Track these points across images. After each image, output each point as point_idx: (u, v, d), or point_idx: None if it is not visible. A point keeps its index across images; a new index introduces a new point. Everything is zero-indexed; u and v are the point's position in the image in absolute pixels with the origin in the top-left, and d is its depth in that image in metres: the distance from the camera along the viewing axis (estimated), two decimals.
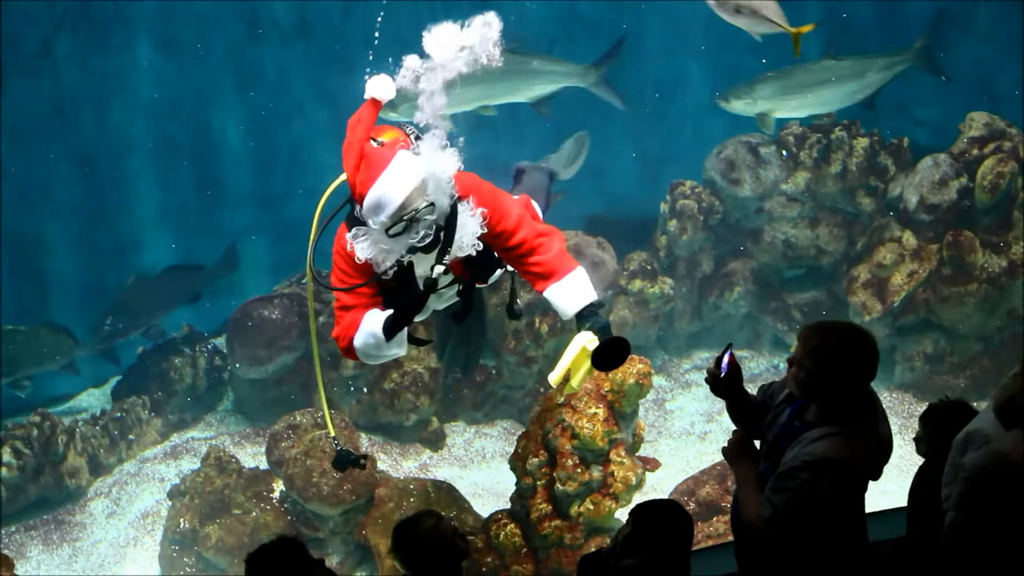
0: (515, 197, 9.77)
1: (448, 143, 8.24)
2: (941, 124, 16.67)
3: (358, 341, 8.69)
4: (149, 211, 18.62)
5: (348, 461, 9.84)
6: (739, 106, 15.80)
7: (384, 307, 8.62)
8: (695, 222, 16.53)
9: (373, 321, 8.60)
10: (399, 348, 8.86)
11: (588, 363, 8.52)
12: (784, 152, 16.56)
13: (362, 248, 8.28)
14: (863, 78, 15.91)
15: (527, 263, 8.82)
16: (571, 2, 19.32)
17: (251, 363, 15.90)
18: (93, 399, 17.16)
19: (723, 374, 6.94)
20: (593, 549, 10.79)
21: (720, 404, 7.20)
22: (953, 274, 15.01)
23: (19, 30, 17.57)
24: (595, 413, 10.92)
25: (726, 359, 6.95)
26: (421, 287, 8.53)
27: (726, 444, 6.99)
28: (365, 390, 15.27)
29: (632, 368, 10.96)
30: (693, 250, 16.77)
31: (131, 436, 16.09)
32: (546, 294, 8.84)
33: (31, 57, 18.04)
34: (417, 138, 8.55)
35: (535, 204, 10.17)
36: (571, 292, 8.75)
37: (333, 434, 10.17)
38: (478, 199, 8.51)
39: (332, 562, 12.73)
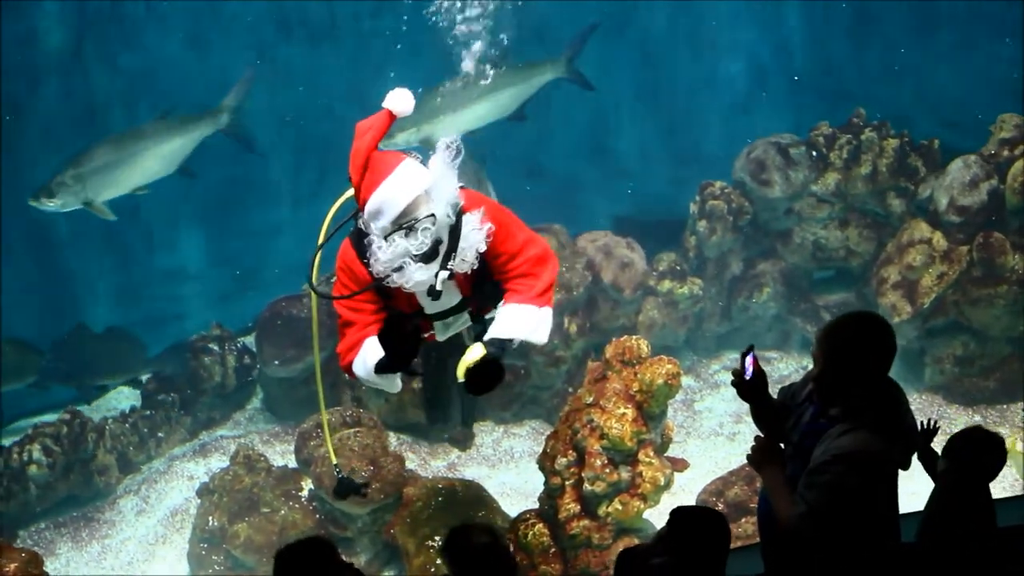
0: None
1: (457, 157, 8.26)
2: (972, 125, 16.59)
3: (356, 367, 8.74)
4: (179, 210, 18.70)
5: (350, 489, 9.90)
6: (404, 138, 15.36)
7: (386, 325, 8.55)
8: (724, 223, 16.50)
9: (369, 354, 8.60)
10: (390, 384, 8.88)
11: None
12: (814, 153, 16.50)
13: (374, 257, 8.28)
14: (516, 88, 15.82)
15: (514, 284, 8.75)
16: (597, 2, 19.33)
17: (280, 362, 15.94)
18: (123, 397, 17.19)
19: (747, 376, 6.93)
20: (621, 549, 10.83)
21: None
22: (983, 276, 14.89)
23: (50, 29, 17.66)
24: (624, 413, 10.91)
25: (749, 362, 6.94)
26: (427, 296, 8.54)
27: (750, 451, 6.96)
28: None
29: (661, 368, 10.95)
30: (722, 251, 16.75)
31: (160, 434, 16.16)
32: (501, 307, 8.75)
33: (61, 56, 18.14)
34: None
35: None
36: (516, 319, 8.64)
37: (335, 462, 10.23)
38: (487, 214, 8.47)
39: (360, 561, 12.75)
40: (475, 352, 8.45)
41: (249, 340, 17.26)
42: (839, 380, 6.44)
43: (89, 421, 15.35)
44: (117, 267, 18.78)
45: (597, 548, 10.92)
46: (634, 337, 11.41)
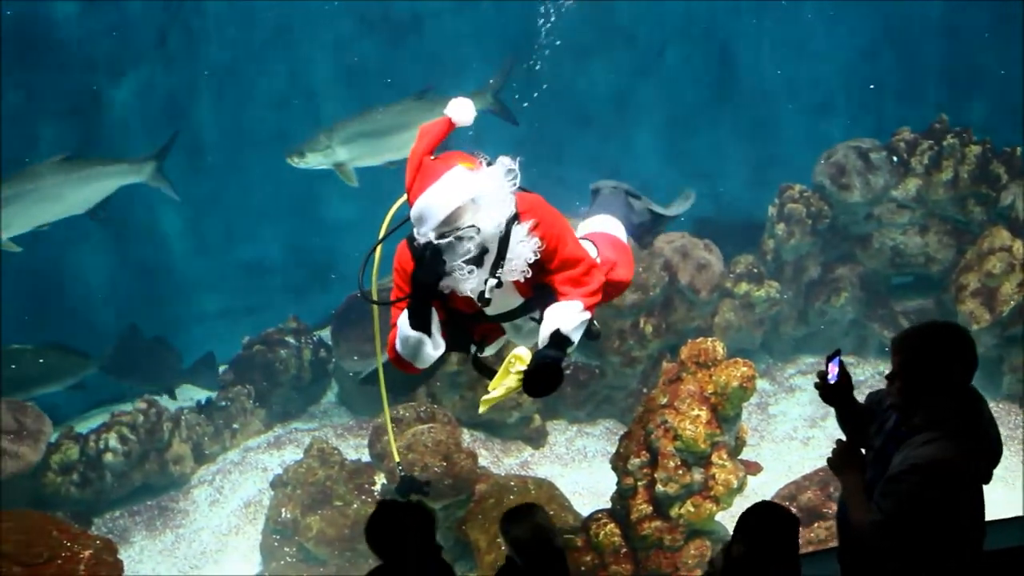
0: (589, 222, 9.78)
1: (514, 169, 8.17)
2: None
3: (397, 344, 8.73)
4: (259, 203, 18.82)
5: (412, 488, 9.91)
6: (316, 159, 15.23)
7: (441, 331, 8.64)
8: (803, 226, 16.43)
9: (401, 318, 8.63)
10: (432, 345, 8.77)
11: (516, 381, 8.53)
12: (895, 158, 16.40)
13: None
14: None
15: (562, 289, 8.59)
16: (686, 2, 19.32)
17: (355, 356, 15.99)
18: (199, 388, 17.29)
19: (833, 381, 6.88)
20: (692, 552, 10.83)
21: (824, 409, 7.15)
22: None
23: (135, 22, 17.81)
24: (698, 415, 10.87)
25: (834, 366, 6.88)
26: (477, 302, 8.45)
27: (831, 455, 6.91)
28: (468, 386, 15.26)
29: (736, 371, 10.90)
30: (800, 254, 16.67)
31: (235, 425, 16.29)
32: (548, 310, 8.61)
33: (146, 48, 18.29)
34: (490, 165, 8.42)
35: (616, 224, 10.04)
36: (560, 316, 8.49)
37: (397, 460, 10.24)
38: (539, 225, 8.37)
39: None
40: (524, 355, 8.45)
41: (325, 334, 17.35)
42: (920, 391, 6.37)
43: (165, 411, 15.51)
44: (197, 258, 18.90)
45: (668, 549, 10.89)
46: (710, 339, 11.36)
